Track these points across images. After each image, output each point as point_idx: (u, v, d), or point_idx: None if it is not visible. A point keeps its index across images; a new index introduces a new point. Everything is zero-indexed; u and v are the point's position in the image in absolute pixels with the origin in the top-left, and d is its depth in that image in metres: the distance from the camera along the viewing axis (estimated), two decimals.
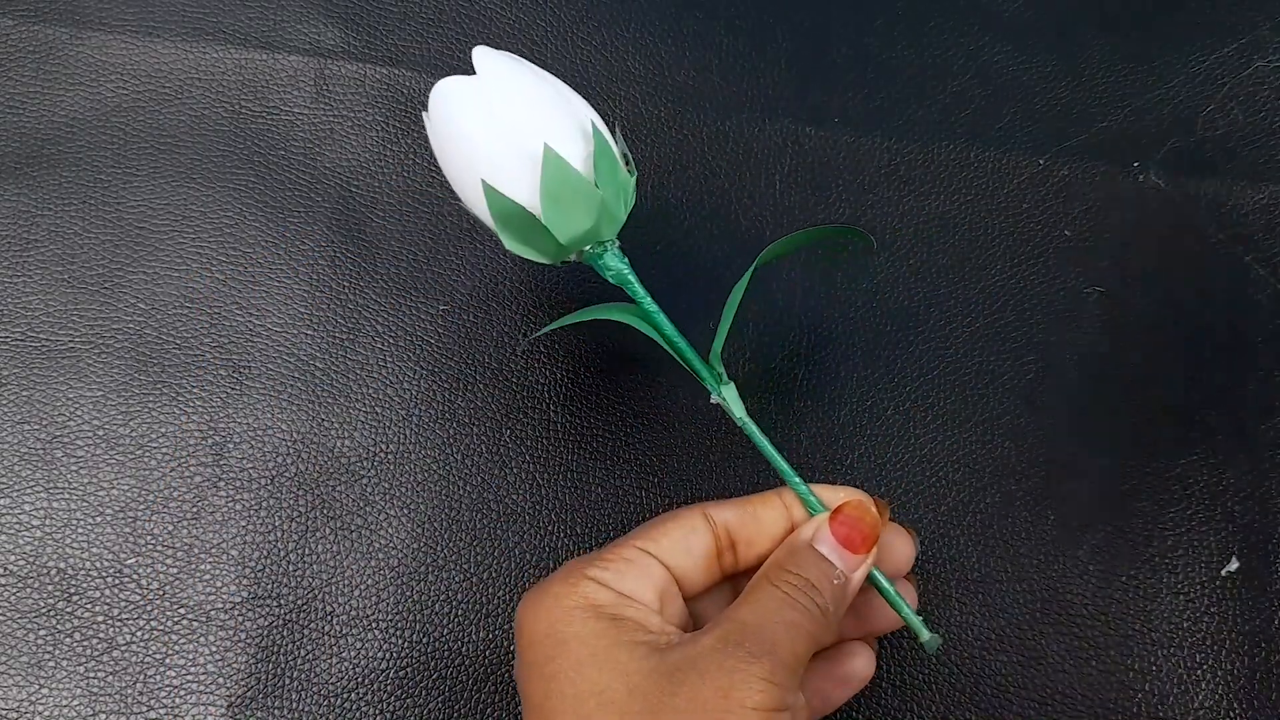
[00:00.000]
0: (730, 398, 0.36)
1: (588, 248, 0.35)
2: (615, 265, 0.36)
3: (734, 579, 0.35)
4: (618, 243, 0.36)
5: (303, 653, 0.39)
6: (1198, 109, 0.46)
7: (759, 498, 0.35)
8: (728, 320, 0.36)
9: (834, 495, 0.35)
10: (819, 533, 0.34)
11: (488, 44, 0.36)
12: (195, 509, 0.40)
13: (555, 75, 0.36)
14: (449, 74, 0.33)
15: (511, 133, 0.34)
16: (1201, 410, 0.42)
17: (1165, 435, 0.42)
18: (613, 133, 0.35)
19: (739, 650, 0.30)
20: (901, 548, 0.36)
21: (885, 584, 0.35)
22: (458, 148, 0.34)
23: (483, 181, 0.33)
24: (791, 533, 0.35)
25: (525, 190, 0.34)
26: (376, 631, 0.39)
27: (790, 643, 0.31)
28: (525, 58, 0.47)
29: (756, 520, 0.34)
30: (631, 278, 0.36)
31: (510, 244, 0.35)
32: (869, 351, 0.42)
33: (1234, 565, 0.40)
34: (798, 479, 0.35)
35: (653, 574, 0.33)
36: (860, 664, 0.36)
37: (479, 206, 0.35)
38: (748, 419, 0.36)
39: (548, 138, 0.33)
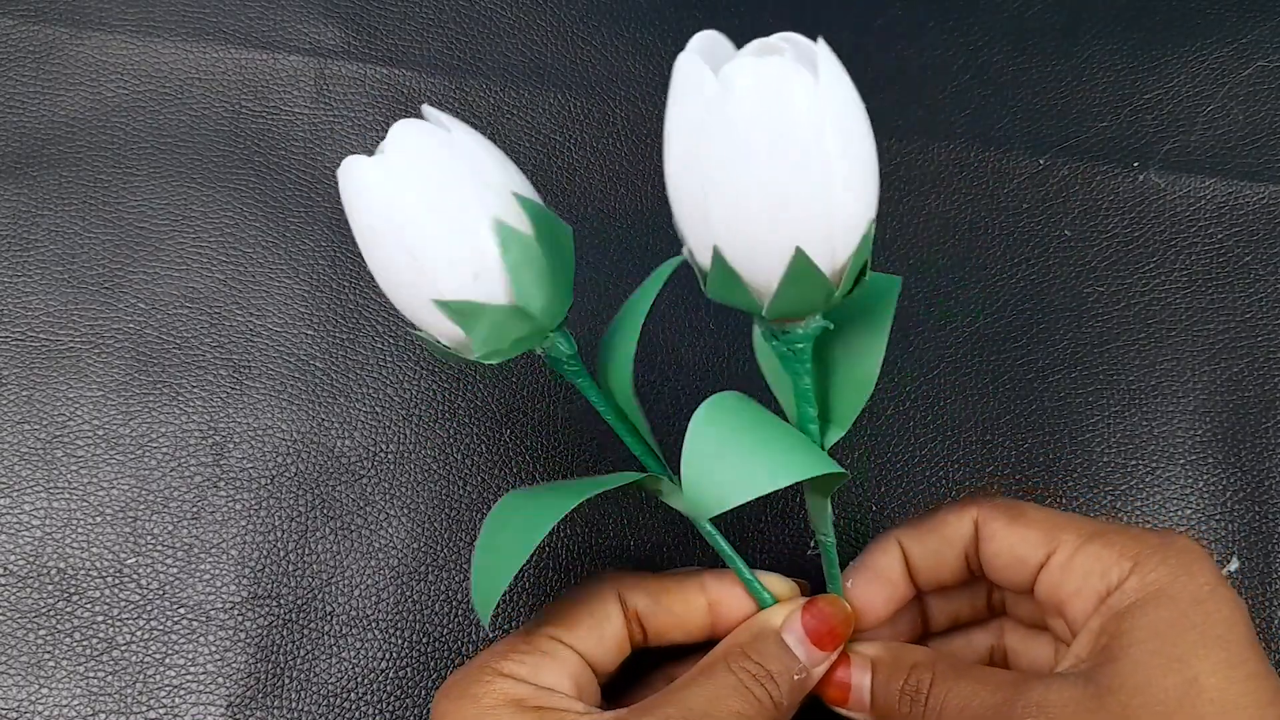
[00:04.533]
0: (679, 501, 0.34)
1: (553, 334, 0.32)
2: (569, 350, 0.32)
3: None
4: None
5: (302, 653, 0.39)
6: (1198, 109, 0.46)
7: (677, 585, 0.34)
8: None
9: (773, 583, 0.34)
10: (789, 622, 0.32)
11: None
12: (195, 509, 0.40)
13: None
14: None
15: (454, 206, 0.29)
16: (1202, 409, 0.42)
17: (1166, 434, 0.42)
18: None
19: None
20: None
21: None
22: (398, 221, 0.29)
23: (496, 220, 0.28)
24: (706, 629, 0.33)
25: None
26: (376, 631, 0.39)
27: None
28: (525, 57, 0.47)
29: (669, 614, 0.33)
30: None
31: (526, 293, 0.29)
32: None
33: (1234, 565, 0.40)
34: (749, 574, 0.34)
35: (568, 664, 0.32)
36: None
37: (432, 283, 0.29)
38: (713, 528, 0.34)
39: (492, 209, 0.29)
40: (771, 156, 0.25)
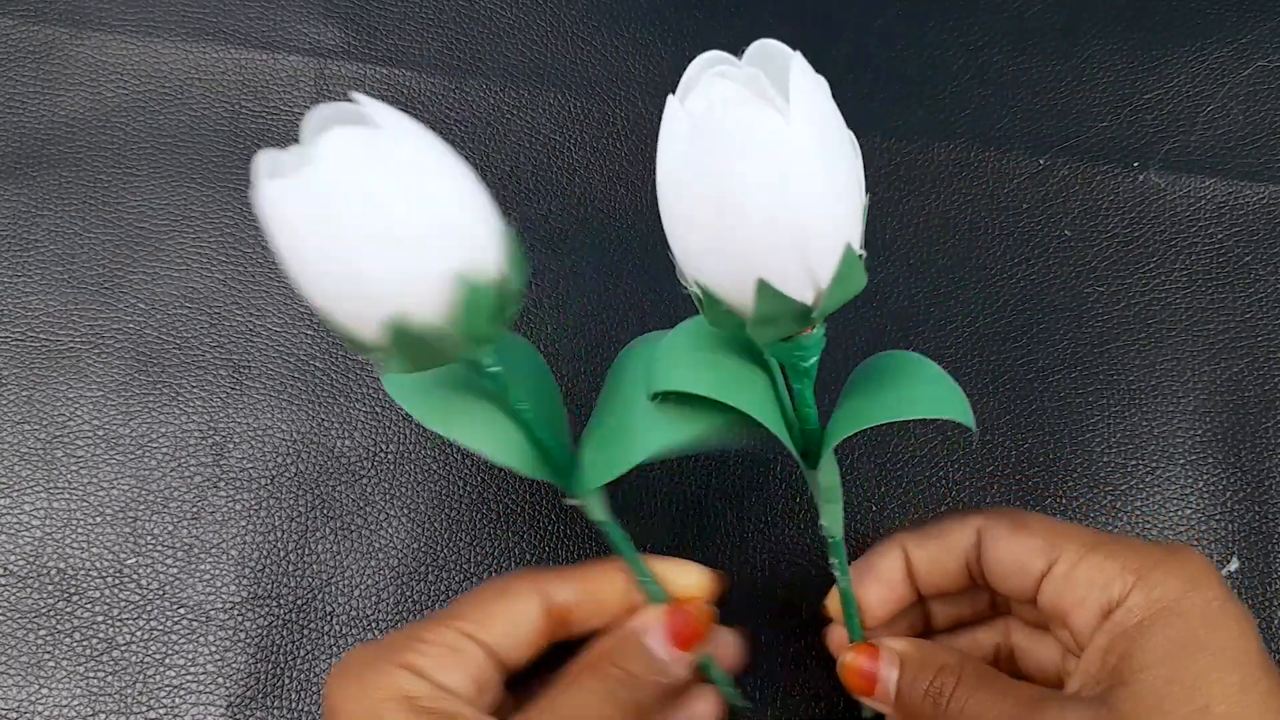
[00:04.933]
0: (591, 502, 0.34)
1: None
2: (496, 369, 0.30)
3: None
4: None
5: (302, 653, 0.39)
6: (1198, 109, 0.46)
7: (602, 573, 0.34)
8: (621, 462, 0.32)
9: (677, 572, 0.34)
10: (651, 626, 0.33)
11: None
12: (195, 509, 0.40)
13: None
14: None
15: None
16: (1202, 409, 0.42)
17: (1166, 434, 0.42)
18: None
19: None
20: (727, 646, 0.36)
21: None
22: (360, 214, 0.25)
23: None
24: (630, 611, 0.34)
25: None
26: (376, 631, 0.39)
27: None
28: (525, 57, 0.47)
29: (595, 601, 0.34)
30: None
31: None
32: (869, 352, 0.42)
33: (1234, 565, 0.40)
34: (646, 571, 0.34)
35: (473, 662, 0.32)
36: (701, 709, 0.35)
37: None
38: (610, 519, 0.34)
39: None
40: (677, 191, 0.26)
